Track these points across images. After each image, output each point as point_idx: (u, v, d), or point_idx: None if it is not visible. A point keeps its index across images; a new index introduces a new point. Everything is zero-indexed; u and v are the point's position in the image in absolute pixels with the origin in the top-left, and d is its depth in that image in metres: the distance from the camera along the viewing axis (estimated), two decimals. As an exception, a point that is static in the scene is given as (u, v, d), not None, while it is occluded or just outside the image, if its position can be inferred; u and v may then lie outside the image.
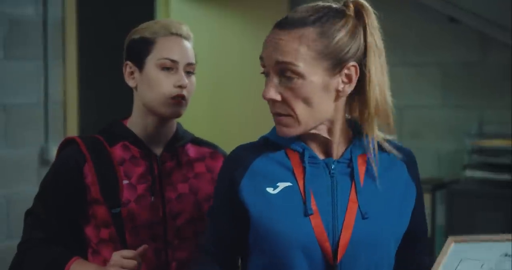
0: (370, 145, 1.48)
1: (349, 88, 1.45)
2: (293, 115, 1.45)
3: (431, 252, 3.47)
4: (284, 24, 1.44)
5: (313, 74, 1.42)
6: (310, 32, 1.41)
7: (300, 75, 1.42)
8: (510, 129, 3.71)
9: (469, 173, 3.68)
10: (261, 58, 1.47)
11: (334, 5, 1.47)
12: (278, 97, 1.44)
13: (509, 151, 3.57)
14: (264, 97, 1.46)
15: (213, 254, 1.57)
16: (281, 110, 1.46)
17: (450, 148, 3.97)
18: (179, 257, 1.83)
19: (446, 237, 3.92)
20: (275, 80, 1.44)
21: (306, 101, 1.43)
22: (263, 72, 1.47)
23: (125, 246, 1.78)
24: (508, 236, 1.39)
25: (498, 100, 3.86)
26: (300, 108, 1.43)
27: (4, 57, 3.50)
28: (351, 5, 1.46)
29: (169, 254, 1.83)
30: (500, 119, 3.82)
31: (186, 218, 1.85)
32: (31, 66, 3.63)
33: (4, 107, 3.51)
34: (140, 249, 1.69)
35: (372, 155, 1.49)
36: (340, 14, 1.45)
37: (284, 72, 1.43)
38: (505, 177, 3.53)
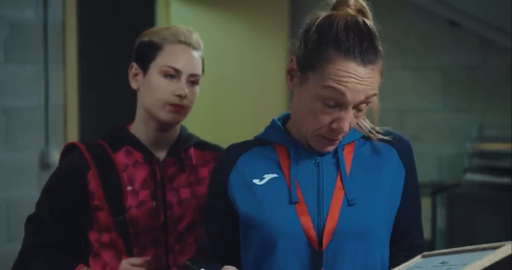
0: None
1: None
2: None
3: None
4: (366, 60, 1.41)
5: None
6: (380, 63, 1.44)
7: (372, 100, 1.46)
8: (510, 133, 3.71)
9: (469, 177, 3.68)
10: (342, 93, 1.41)
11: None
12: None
13: (510, 155, 3.57)
14: (343, 131, 1.45)
15: (212, 253, 1.59)
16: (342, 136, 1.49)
17: (451, 152, 3.97)
18: (180, 262, 1.83)
19: (447, 241, 3.90)
20: (351, 112, 1.44)
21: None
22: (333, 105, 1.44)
23: (129, 251, 1.78)
24: (474, 247, 1.37)
25: (498, 104, 3.86)
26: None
27: (5, 61, 3.50)
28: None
29: (170, 259, 1.82)
30: (500, 123, 3.83)
31: (187, 223, 1.84)
32: (32, 70, 3.63)
33: (5, 110, 3.51)
34: (147, 258, 1.70)
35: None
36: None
37: (364, 103, 1.45)
38: (505, 180, 3.53)
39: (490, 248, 1.32)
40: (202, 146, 1.94)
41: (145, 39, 1.84)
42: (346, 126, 1.43)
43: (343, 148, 1.53)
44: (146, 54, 1.83)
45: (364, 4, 1.47)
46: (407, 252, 1.52)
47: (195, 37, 1.84)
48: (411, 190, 1.57)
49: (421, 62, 4.05)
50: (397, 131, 1.61)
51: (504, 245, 1.29)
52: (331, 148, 1.51)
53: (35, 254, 1.80)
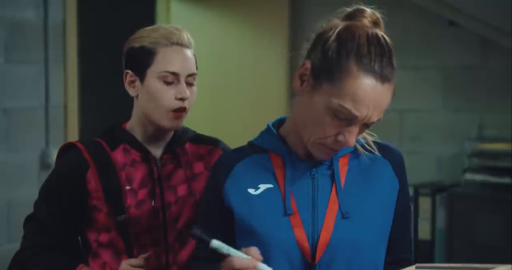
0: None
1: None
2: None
3: (431, 257, 3.47)
4: (385, 77, 1.43)
5: None
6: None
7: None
8: (510, 133, 3.71)
9: (469, 176, 3.68)
10: (355, 115, 1.42)
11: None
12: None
13: (509, 155, 3.57)
14: (349, 145, 1.44)
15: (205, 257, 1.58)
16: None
17: (450, 152, 3.97)
18: (180, 260, 1.83)
19: (446, 241, 3.89)
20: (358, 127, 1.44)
21: None
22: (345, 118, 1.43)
23: (129, 251, 1.79)
24: (468, 265, 1.36)
25: (498, 104, 3.86)
26: None
27: (5, 61, 3.50)
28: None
29: (170, 258, 1.82)
30: (500, 123, 3.83)
31: (185, 221, 1.84)
32: (32, 70, 3.63)
33: (5, 111, 3.51)
34: (145, 255, 1.70)
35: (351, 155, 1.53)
36: None
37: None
38: (505, 180, 3.53)
39: (486, 268, 1.31)
40: (197, 139, 1.92)
41: (136, 44, 1.80)
42: (353, 141, 1.42)
43: (338, 160, 1.52)
44: (141, 61, 1.79)
45: (380, 16, 1.48)
46: (395, 265, 1.51)
47: (185, 35, 1.82)
48: (403, 203, 1.57)
49: (421, 62, 4.05)
50: (389, 142, 1.62)
51: (498, 267, 1.28)
52: (329, 157, 1.49)
53: (35, 254, 1.80)
